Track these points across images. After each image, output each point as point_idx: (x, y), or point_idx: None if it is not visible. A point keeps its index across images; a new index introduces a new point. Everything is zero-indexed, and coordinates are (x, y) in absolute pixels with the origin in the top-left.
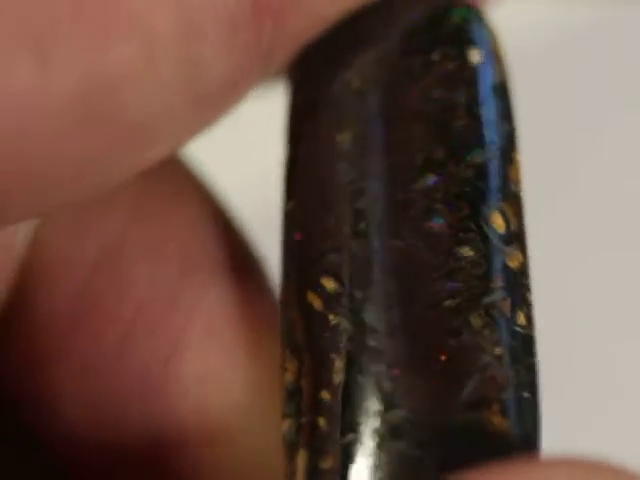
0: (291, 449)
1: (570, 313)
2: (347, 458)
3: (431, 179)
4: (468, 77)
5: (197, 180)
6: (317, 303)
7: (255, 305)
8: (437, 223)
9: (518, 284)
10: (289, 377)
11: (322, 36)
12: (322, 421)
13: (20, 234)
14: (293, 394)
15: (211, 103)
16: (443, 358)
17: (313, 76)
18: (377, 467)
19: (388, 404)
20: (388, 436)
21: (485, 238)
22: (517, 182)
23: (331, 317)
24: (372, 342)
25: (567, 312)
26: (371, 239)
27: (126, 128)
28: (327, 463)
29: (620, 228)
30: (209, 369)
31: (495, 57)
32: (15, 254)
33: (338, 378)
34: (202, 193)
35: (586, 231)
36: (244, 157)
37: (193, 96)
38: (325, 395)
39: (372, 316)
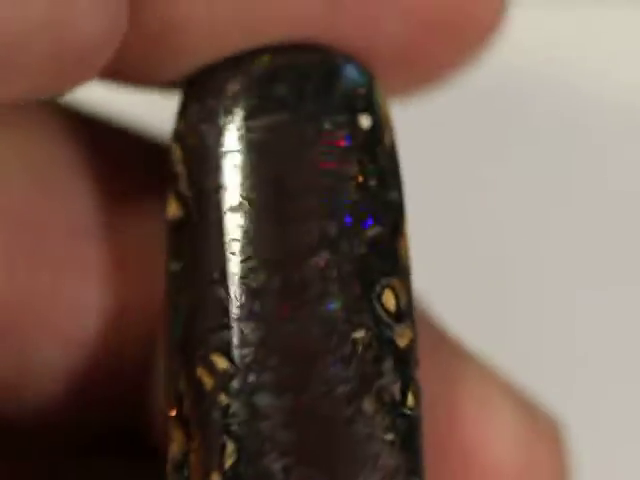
0: None
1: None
2: None
3: (324, 256)
4: (358, 145)
5: None
6: (207, 380)
7: None
8: (332, 306)
9: (407, 363)
10: (175, 448)
11: (216, 64)
12: None
13: None
14: (180, 467)
15: (69, 61)
16: (336, 448)
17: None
18: None
19: None
20: None
21: (377, 318)
22: (406, 255)
23: (222, 398)
24: (264, 429)
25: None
26: (265, 321)
27: None
28: None
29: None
30: None
31: (385, 123)
32: None
33: (229, 462)
34: None
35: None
36: None
37: (55, 48)
38: (215, 478)
39: (265, 401)
